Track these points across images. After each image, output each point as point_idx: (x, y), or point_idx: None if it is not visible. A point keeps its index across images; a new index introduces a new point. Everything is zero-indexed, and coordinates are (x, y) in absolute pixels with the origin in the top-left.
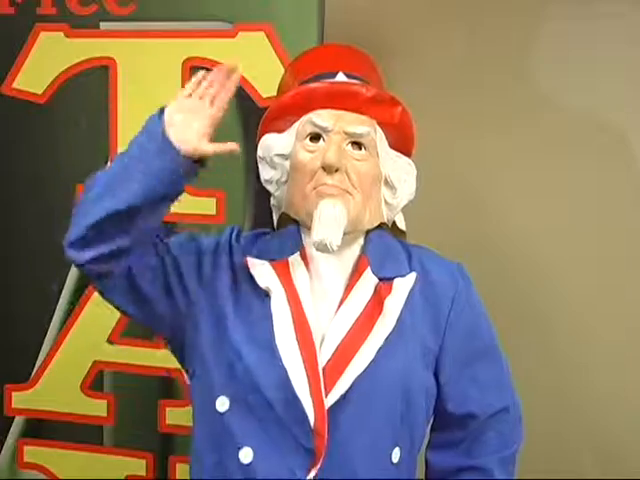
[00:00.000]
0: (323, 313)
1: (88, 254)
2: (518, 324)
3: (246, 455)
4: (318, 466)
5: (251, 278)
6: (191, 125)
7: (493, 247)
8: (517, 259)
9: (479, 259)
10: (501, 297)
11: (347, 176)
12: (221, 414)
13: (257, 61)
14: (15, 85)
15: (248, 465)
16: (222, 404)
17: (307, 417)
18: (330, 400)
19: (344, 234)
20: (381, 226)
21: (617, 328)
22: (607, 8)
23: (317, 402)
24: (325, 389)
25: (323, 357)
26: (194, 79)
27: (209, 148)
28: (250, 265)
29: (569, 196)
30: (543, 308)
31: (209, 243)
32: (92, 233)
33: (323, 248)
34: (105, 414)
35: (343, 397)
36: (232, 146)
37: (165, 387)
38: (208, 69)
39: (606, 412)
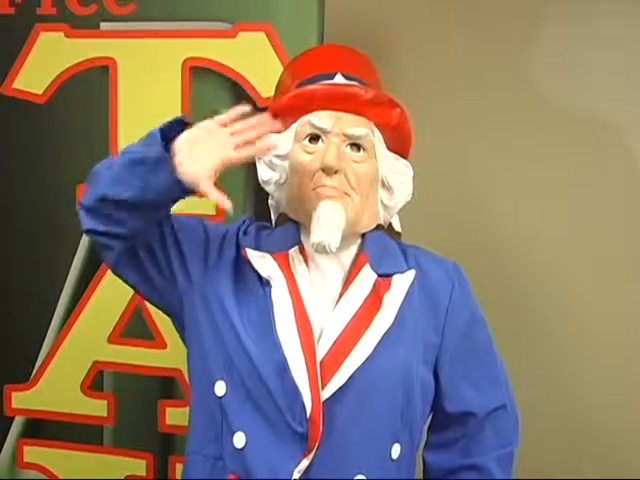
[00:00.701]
0: (322, 307)
1: (90, 223)
2: (518, 324)
3: (239, 439)
4: (312, 455)
5: (253, 269)
6: (202, 156)
7: (493, 247)
8: (517, 259)
9: (479, 259)
10: (500, 297)
11: (346, 178)
12: (219, 398)
13: (257, 61)
14: (15, 85)
15: (241, 450)
16: (220, 389)
17: (304, 405)
18: (327, 392)
19: (342, 235)
20: (378, 227)
21: (617, 328)
22: (607, 8)
23: (314, 391)
24: (322, 381)
25: (321, 350)
26: (235, 111)
27: (209, 192)
28: (250, 256)
29: (569, 196)
30: (543, 308)
31: (218, 231)
32: (98, 208)
33: (322, 250)
34: (105, 414)
35: (341, 389)
36: (227, 204)
37: (165, 387)
38: (254, 107)
39: (606, 412)
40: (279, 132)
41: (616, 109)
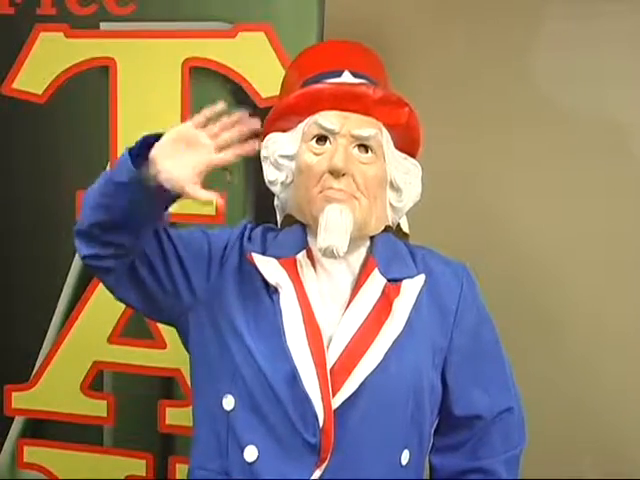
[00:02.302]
0: (331, 313)
1: (87, 250)
2: (523, 325)
3: (251, 454)
4: (324, 465)
5: (258, 276)
6: (183, 159)
7: (495, 247)
8: (520, 259)
9: (481, 260)
10: (505, 297)
11: (354, 180)
12: (227, 413)
13: (257, 61)
14: (15, 85)
15: (252, 464)
16: (228, 403)
17: (316, 415)
18: (338, 401)
19: (350, 239)
20: (386, 229)
21: (623, 329)
22: (607, 7)
23: (325, 400)
24: (333, 389)
25: (331, 357)
26: (212, 109)
27: (196, 193)
28: (257, 262)
29: (571, 196)
30: (547, 308)
31: (221, 240)
32: (91, 233)
33: (329, 255)
34: (105, 414)
35: (352, 397)
36: (219, 200)
37: (165, 387)
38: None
39: (610, 414)
40: (257, 130)
41: (617, 109)
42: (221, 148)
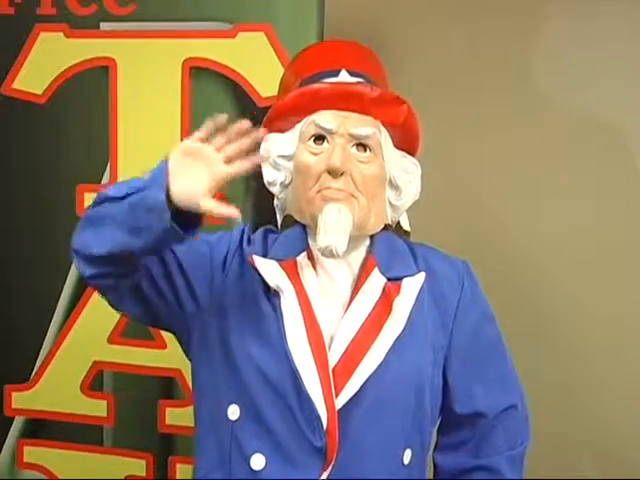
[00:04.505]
0: (331, 314)
1: (90, 271)
2: (517, 324)
3: (257, 462)
4: (330, 467)
5: (259, 279)
6: (193, 177)
7: (493, 247)
8: (517, 258)
9: (478, 259)
10: (501, 296)
11: (352, 179)
12: (232, 422)
13: (257, 61)
14: (15, 85)
15: (259, 472)
16: (233, 412)
17: (319, 417)
18: (341, 401)
19: (350, 238)
20: (386, 228)
21: (618, 328)
22: (607, 7)
23: (328, 402)
24: (335, 390)
25: (332, 358)
26: (214, 122)
27: (210, 206)
28: (258, 265)
29: (569, 196)
30: (543, 307)
31: (221, 248)
32: (92, 258)
33: (329, 254)
34: (105, 414)
35: (354, 398)
36: (233, 212)
37: (165, 387)
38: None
39: (607, 412)
40: (261, 139)
41: (616, 108)
42: (229, 160)
